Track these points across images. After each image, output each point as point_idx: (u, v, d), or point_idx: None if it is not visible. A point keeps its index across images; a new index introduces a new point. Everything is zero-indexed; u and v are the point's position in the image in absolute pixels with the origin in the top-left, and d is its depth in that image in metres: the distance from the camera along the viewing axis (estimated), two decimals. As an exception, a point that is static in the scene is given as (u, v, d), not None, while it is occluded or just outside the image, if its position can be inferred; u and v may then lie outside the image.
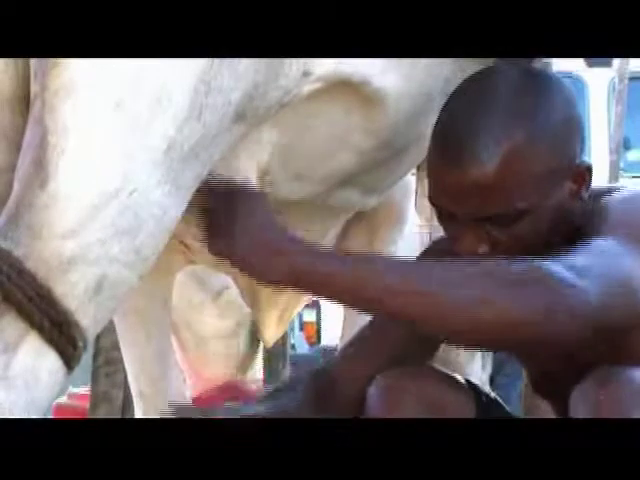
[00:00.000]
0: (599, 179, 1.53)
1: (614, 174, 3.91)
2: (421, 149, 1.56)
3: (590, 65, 4.96)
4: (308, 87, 1.31)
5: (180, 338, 2.63)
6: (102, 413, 2.54)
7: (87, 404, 2.57)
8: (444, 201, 1.27)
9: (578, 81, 4.81)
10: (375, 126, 1.43)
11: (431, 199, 1.31)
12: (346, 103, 1.39)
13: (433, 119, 1.38)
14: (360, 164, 1.49)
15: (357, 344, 1.47)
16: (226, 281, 2.68)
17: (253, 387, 2.75)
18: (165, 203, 1.17)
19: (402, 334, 1.40)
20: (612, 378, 1.22)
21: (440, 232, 1.84)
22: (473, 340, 1.22)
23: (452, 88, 1.43)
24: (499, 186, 1.22)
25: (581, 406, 1.23)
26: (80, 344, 1.11)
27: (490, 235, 1.26)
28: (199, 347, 2.75)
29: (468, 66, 1.46)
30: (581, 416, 1.24)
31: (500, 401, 1.47)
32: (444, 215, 1.30)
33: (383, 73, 1.38)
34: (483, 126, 1.24)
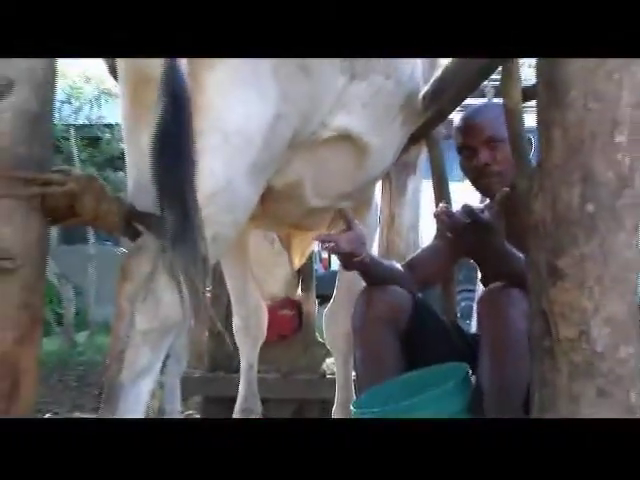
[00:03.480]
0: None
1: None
2: (384, 172, 1.99)
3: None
4: (326, 133, 1.55)
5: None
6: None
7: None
8: (468, 139, 1.81)
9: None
10: (364, 165, 1.73)
11: (462, 148, 1.83)
12: (348, 151, 1.65)
13: (393, 159, 1.87)
14: (354, 188, 1.81)
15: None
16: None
17: (297, 298, 3.21)
18: (250, 194, 1.35)
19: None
20: (500, 290, 1.64)
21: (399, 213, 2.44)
22: None
23: (402, 142, 1.91)
24: (489, 126, 1.79)
25: (484, 304, 1.65)
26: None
27: (492, 153, 1.77)
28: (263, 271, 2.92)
29: (411, 129, 1.91)
30: (482, 312, 1.62)
31: (425, 300, 1.91)
32: (467, 154, 1.81)
33: (369, 132, 1.65)
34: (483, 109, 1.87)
